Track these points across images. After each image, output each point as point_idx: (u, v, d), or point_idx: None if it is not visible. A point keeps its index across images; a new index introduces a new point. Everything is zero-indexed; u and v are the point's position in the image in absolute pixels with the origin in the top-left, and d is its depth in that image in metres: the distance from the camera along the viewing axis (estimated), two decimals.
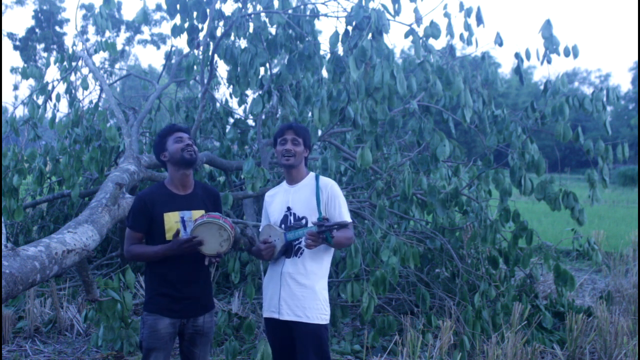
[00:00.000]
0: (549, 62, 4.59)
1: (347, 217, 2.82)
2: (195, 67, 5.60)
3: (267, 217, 2.96)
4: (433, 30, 4.70)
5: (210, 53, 5.08)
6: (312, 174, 2.91)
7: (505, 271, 5.13)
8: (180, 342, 2.85)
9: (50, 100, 6.06)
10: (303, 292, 2.74)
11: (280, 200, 2.90)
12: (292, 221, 2.82)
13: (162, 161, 2.83)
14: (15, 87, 43.89)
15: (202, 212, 2.75)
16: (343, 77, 4.47)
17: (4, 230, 2.94)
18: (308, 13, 4.98)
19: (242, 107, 6.44)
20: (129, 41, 44.83)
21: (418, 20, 4.66)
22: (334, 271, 5.13)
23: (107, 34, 6.11)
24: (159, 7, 42.69)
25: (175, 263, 2.69)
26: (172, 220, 2.71)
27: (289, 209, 2.85)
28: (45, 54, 40.04)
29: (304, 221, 2.79)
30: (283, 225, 2.83)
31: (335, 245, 2.73)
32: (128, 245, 2.76)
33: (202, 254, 2.68)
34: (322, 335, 2.75)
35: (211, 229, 2.60)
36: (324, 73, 5.06)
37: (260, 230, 2.97)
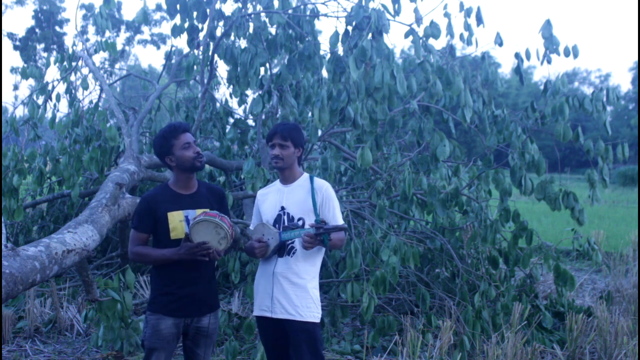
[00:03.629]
0: (549, 62, 4.59)
1: (340, 220, 2.86)
2: (195, 67, 5.59)
3: (258, 216, 2.97)
4: (433, 30, 4.70)
5: (210, 53, 5.07)
6: (306, 175, 2.93)
7: (505, 271, 5.13)
8: (183, 341, 2.84)
9: (50, 100, 6.06)
10: (296, 290, 2.77)
11: (274, 199, 2.91)
12: (286, 221, 2.83)
13: (167, 163, 2.81)
14: (15, 87, 43.93)
15: (206, 211, 2.75)
16: (343, 77, 4.47)
17: (4, 230, 2.94)
18: (308, 13, 4.97)
19: (242, 107, 6.44)
20: (129, 41, 44.86)
21: (418, 20, 4.65)
22: (334, 271, 5.13)
23: (107, 34, 6.09)
24: (159, 7, 42.73)
25: (180, 262, 2.68)
26: (176, 219, 2.72)
27: (282, 208, 2.87)
28: (45, 54, 40.04)
29: (300, 222, 2.81)
30: (277, 225, 2.84)
31: (330, 247, 2.76)
32: (133, 246, 2.75)
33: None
34: (315, 333, 2.79)
35: (208, 227, 2.60)
36: (324, 73, 5.05)
37: (252, 228, 2.98)
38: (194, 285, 2.73)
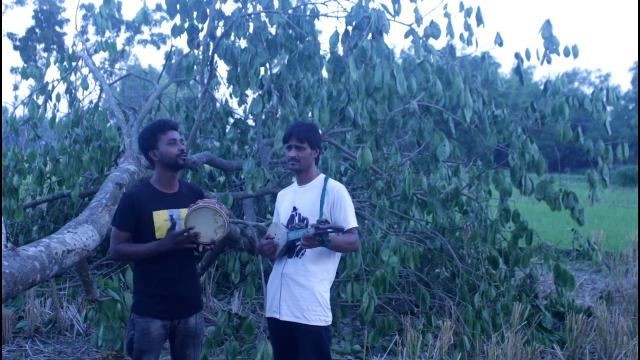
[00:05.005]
0: (549, 62, 4.59)
1: (352, 222, 2.80)
2: (195, 67, 5.59)
3: (277, 217, 2.98)
4: (433, 30, 4.70)
5: (210, 53, 5.07)
6: (322, 176, 2.90)
7: (505, 271, 5.13)
8: (171, 344, 2.82)
9: (50, 100, 6.06)
10: (302, 293, 2.74)
11: (289, 200, 2.91)
12: (297, 221, 2.82)
13: (150, 158, 2.78)
14: (15, 87, 43.95)
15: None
16: (343, 77, 4.47)
17: (4, 230, 2.94)
18: (308, 13, 4.98)
19: (242, 107, 6.45)
20: (129, 41, 44.88)
21: (418, 20, 4.65)
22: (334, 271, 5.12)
23: (107, 34, 6.09)
24: (159, 7, 42.75)
25: (164, 262, 2.66)
26: (161, 218, 2.68)
27: (295, 209, 2.86)
28: (45, 54, 40.04)
29: (305, 222, 2.79)
30: (289, 225, 2.84)
31: (334, 249, 2.71)
32: (115, 244, 2.70)
33: (192, 251, 2.68)
34: (322, 337, 2.74)
35: (206, 215, 2.57)
36: (324, 73, 5.06)
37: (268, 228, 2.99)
38: (179, 286, 2.70)
